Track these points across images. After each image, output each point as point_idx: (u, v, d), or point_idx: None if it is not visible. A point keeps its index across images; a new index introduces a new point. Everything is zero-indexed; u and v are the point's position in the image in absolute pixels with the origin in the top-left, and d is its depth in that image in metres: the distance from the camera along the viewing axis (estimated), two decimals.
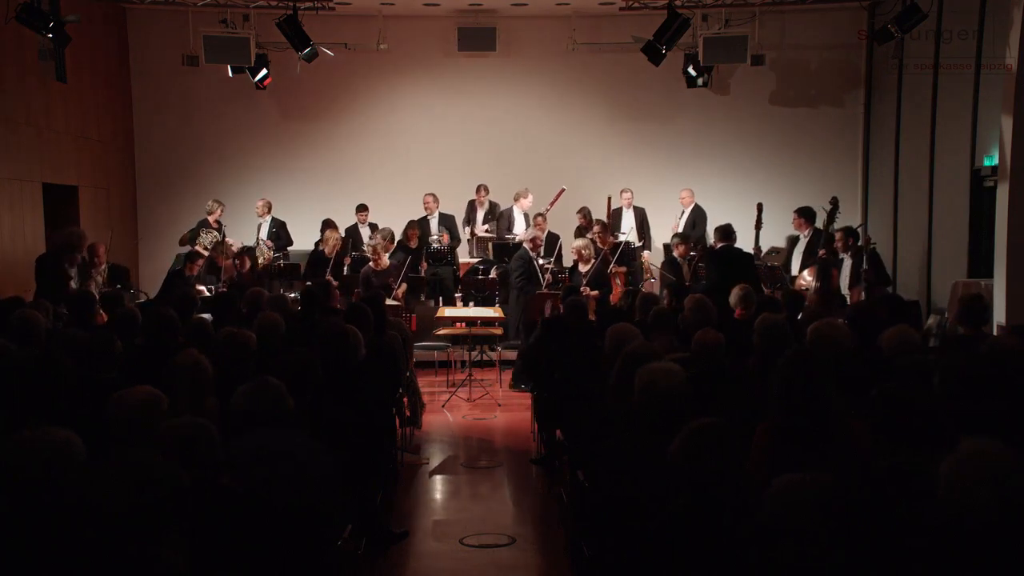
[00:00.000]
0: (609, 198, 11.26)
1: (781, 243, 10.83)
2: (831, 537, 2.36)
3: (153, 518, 2.52)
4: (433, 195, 11.83)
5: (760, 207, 10.04)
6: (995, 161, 9.07)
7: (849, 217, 11.18)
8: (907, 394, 3.10)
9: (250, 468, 3.36)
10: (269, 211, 11.80)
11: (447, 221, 11.72)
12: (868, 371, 4.44)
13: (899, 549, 2.57)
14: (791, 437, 3.43)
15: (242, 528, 2.97)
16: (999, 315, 8.29)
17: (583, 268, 9.64)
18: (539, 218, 10.84)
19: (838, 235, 9.10)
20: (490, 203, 12.00)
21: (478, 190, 11.98)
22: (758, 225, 10.03)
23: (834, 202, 9.49)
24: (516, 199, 11.78)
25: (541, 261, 10.23)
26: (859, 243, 9.04)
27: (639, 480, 3.36)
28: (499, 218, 11.79)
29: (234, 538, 2.93)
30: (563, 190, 11.54)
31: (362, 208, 11.88)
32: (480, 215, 12.00)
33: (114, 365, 4.64)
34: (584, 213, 11.34)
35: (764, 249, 10.38)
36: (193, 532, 2.77)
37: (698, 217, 11.68)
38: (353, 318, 6.02)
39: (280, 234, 11.69)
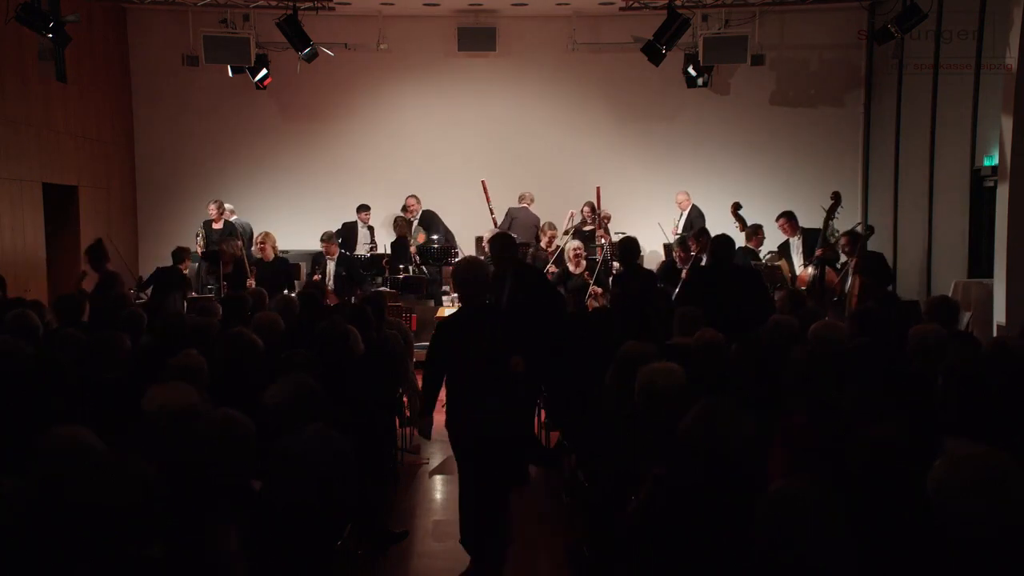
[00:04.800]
0: (598, 188, 11.21)
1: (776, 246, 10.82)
2: (831, 542, 2.35)
3: (145, 517, 2.52)
4: (415, 196, 11.82)
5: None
6: (995, 161, 9.07)
7: (849, 217, 11.18)
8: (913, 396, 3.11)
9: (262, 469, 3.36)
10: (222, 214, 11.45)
11: (426, 220, 11.70)
12: (876, 372, 4.43)
13: (898, 551, 2.57)
14: (809, 437, 3.44)
15: (247, 527, 2.97)
16: (999, 315, 8.30)
17: (575, 269, 9.62)
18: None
19: (843, 240, 9.03)
20: (424, 212, 11.87)
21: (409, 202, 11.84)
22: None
23: (835, 197, 9.45)
24: (530, 202, 11.76)
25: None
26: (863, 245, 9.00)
27: (639, 480, 3.36)
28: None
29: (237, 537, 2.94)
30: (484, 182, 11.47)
31: (364, 208, 11.86)
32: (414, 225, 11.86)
33: (116, 365, 4.63)
34: (590, 206, 11.35)
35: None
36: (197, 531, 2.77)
37: (696, 218, 11.66)
38: (353, 318, 6.02)
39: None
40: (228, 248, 9.90)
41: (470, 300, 4.83)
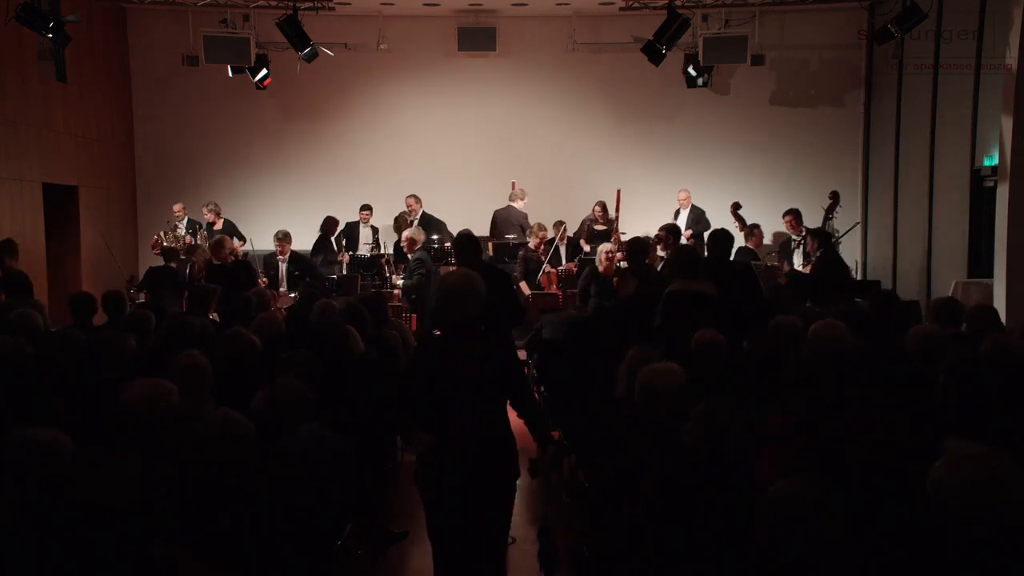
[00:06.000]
0: (618, 191, 11.21)
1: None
2: (831, 542, 2.35)
3: (147, 516, 2.52)
4: (415, 196, 11.82)
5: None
6: (995, 161, 9.07)
7: (849, 216, 11.20)
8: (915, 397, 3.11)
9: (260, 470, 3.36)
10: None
11: (425, 220, 11.68)
12: (876, 372, 4.44)
13: (898, 551, 2.57)
14: (810, 434, 3.43)
15: (247, 528, 2.97)
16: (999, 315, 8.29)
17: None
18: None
19: (809, 240, 9.01)
20: (423, 214, 11.86)
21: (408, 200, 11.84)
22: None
23: (834, 196, 9.44)
24: (512, 199, 11.78)
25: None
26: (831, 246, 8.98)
27: (639, 479, 3.36)
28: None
29: (238, 538, 2.94)
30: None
31: (365, 208, 11.86)
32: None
33: (116, 365, 4.63)
34: (602, 206, 11.35)
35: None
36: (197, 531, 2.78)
37: (699, 216, 11.67)
38: (350, 317, 6.02)
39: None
40: (196, 258, 9.83)
41: (456, 317, 3.94)
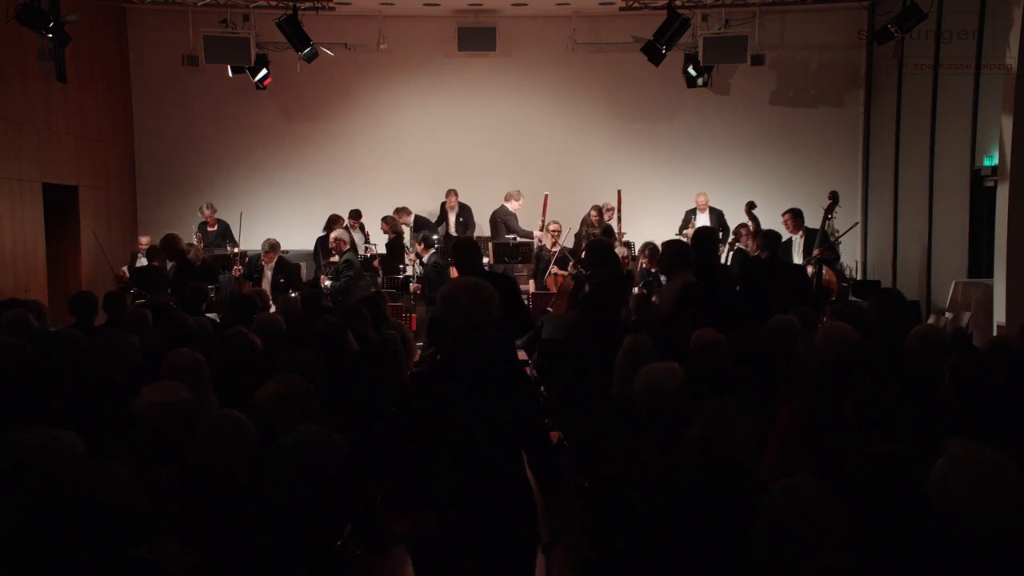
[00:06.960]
0: (619, 192, 11.22)
1: None
2: (832, 541, 2.35)
3: (147, 517, 2.52)
4: (455, 191, 12.06)
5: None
6: (995, 161, 9.07)
7: (849, 216, 11.19)
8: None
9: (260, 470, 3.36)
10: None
11: (421, 227, 11.70)
12: (880, 373, 4.43)
13: (898, 551, 2.57)
14: (810, 434, 3.42)
15: (246, 528, 2.97)
16: (999, 315, 8.30)
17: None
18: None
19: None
20: (460, 205, 12.09)
21: (448, 195, 12.06)
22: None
23: (833, 197, 9.40)
24: (507, 199, 11.78)
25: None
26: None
27: (640, 480, 3.36)
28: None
29: (237, 538, 2.94)
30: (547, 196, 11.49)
31: (354, 215, 11.61)
32: (452, 218, 12.10)
33: (116, 365, 4.62)
34: (597, 210, 11.37)
35: None
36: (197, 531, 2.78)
37: (719, 218, 11.64)
38: (348, 317, 6.01)
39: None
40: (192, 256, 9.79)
41: (459, 327, 3.39)
